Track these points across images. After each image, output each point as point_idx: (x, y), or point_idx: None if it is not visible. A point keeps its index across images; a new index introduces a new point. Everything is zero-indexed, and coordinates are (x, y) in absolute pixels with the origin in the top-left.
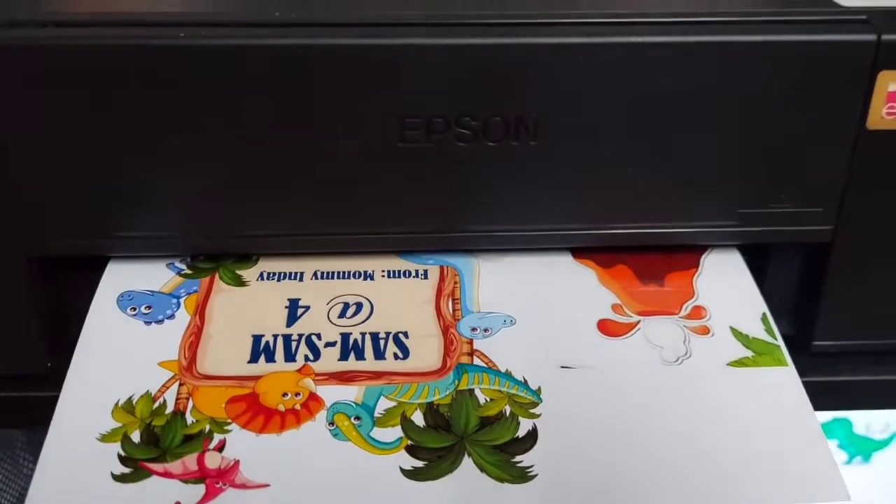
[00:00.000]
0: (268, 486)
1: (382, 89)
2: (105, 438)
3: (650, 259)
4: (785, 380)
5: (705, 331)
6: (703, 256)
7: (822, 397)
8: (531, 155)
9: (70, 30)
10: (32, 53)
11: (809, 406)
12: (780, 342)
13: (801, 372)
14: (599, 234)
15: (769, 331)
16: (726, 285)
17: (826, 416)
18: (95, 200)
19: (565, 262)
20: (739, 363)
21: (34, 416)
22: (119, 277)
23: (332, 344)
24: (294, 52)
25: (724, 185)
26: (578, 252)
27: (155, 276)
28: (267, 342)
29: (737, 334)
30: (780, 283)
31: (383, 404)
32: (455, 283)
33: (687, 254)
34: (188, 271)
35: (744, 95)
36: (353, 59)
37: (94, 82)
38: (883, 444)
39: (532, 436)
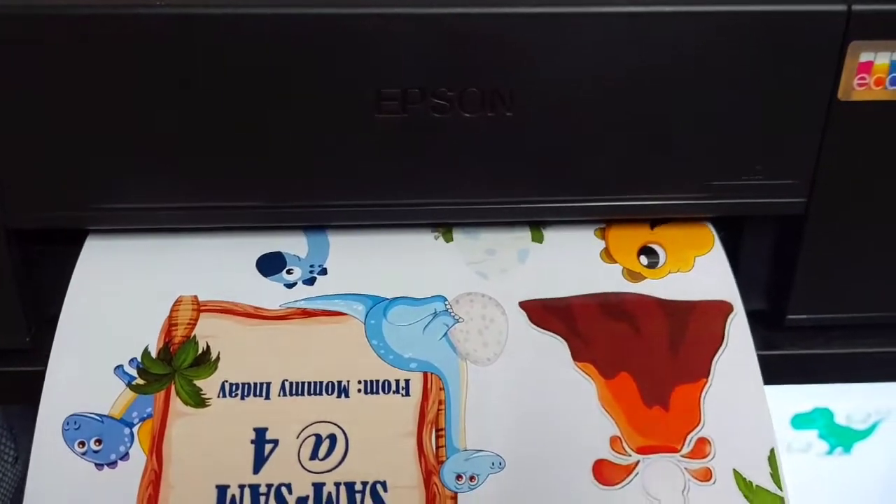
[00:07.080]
0: None
1: (359, 60)
2: None
3: (657, 364)
4: None
5: (707, 476)
6: (715, 359)
7: (795, 371)
8: (506, 126)
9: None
10: (12, 22)
11: None
12: (785, 492)
13: (775, 345)
14: (573, 206)
15: (775, 476)
16: (737, 406)
17: (807, 405)
18: (76, 171)
19: (564, 366)
20: None
21: (14, 392)
22: (63, 391)
23: (304, 500)
24: (271, 22)
25: (696, 157)
26: (579, 354)
27: (102, 388)
28: (233, 496)
29: (739, 481)
30: (752, 258)
31: None
32: (439, 402)
33: (699, 353)
34: (140, 381)
35: (716, 66)
36: (331, 28)
37: (72, 51)
38: (864, 434)
39: None
